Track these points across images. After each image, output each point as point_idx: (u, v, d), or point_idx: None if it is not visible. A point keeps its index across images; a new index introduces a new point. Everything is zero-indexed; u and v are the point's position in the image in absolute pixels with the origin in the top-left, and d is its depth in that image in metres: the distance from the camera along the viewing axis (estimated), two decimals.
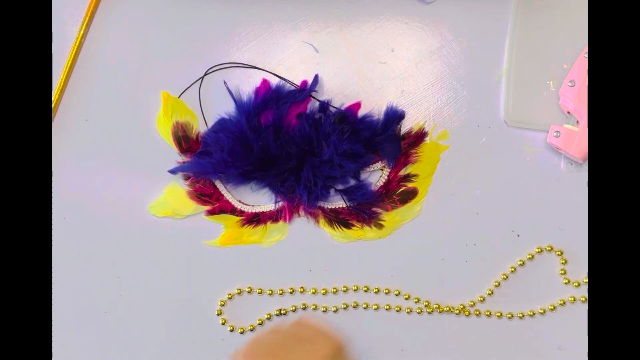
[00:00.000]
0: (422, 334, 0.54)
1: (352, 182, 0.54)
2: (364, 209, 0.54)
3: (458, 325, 0.54)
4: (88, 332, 0.54)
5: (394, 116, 0.55)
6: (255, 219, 0.54)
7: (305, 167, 0.53)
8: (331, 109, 0.55)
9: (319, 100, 0.55)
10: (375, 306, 0.54)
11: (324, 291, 0.54)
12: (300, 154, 0.53)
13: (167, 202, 0.54)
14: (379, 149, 0.54)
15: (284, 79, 0.56)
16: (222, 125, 0.54)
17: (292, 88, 0.55)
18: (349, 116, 0.54)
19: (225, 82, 0.55)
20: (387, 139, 0.54)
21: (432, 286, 0.54)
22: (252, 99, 0.54)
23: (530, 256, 0.54)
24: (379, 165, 0.55)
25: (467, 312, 0.54)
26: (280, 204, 0.54)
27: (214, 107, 0.55)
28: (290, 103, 0.54)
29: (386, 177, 0.54)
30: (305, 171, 0.53)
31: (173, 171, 0.54)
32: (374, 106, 0.55)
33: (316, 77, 0.55)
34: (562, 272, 0.53)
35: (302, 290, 0.54)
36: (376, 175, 0.55)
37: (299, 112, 0.54)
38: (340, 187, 0.54)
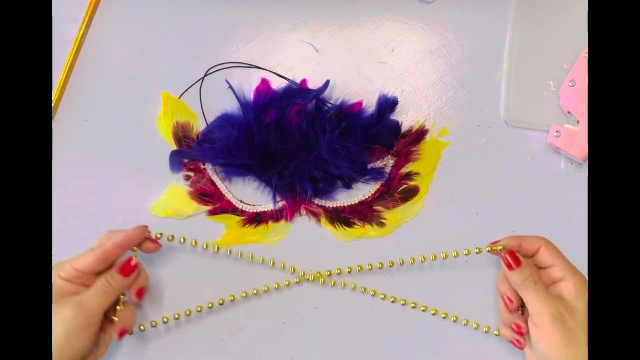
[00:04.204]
0: (422, 334, 0.54)
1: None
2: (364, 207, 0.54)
3: (458, 325, 0.54)
4: None
5: (387, 104, 0.55)
6: (256, 219, 0.54)
7: (302, 163, 0.53)
8: (329, 105, 0.55)
9: (319, 99, 0.55)
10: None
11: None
12: (298, 149, 0.53)
13: (168, 203, 0.54)
14: (377, 139, 0.54)
15: (285, 78, 0.56)
16: (225, 119, 0.54)
17: (295, 87, 0.55)
18: (344, 112, 0.54)
19: (228, 82, 0.55)
20: (383, 126, 0.54)
21: (432, 286, 0.54)
22: (255, 98, 0.55)
23: None
24: (379, 163, 0.55)
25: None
26: (281, 203, 0.54)
27: (215, 107, 0.55)
28: (293, 103, 0.54)
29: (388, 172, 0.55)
30: (302, 167, 0.53)
31: (174, 155, 0.54)
32: (372, 104, 0.55)
33: (327, 82, 0.55)
34: None
35: (299, 278, 0.53)
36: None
37: (298, 109, 0.54)
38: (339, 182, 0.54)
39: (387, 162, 0.55)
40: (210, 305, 0.52)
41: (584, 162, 0.54)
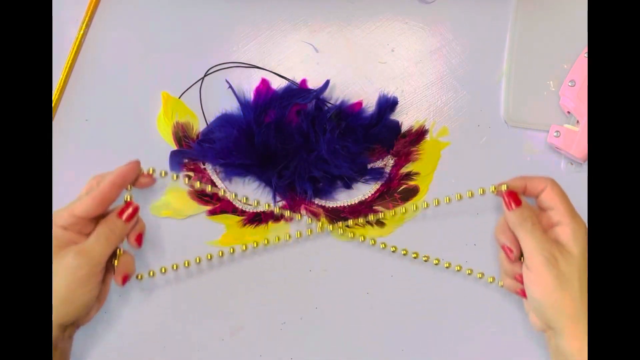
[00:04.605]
0: (422, 334, 0.54)
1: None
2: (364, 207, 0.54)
3: (458, 327, 0.54)
4: (88, 332, 0.54)
5: (387, 104, 0.55)
6: (256, 219, 0.54)
7: (302, 163, 0.53)
8: (329, 105, 0.55)
9: (318, 99, 0.55)
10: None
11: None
12: (298, 149, 0.53)
13: (168, 203, 0.54)
14: (377, 139, 0.54)
15: (285, 78, 0.56)
16: (225, 119, 0.54)
17: (295, 87, 0.55)
18: (344, 112, 0.54)
19: (228, 82, 0.55)
20: (383, 126, 0.54)
21: (432, 286, 0.54)
22: (255, 98, 0.55)
23: None
24: (379, 163, 0.55)
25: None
26: (281, 203, 0.54)
27: (215, 107, 0.55)
28: (293, 103, 0.54)
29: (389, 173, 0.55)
30: (302, 167, 0.53)
31: (174, 155, 0.54)
32: (372, 104, 0.55)
33: (327, 82, 0.55)
34: None
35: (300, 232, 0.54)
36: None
37: (298, 109, 0.54)
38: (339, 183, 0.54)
39: (387, 162, 0.55)
40: (209, 256, 0.52)
41: (584, 162, 0.54)
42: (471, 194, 0.50)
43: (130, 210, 0.48)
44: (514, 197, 0.48)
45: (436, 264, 0.53)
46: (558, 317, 0.44)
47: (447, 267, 0.53)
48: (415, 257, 0.53)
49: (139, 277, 0.51)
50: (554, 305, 0.44)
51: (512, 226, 0.48)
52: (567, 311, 0.44)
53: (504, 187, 0.48)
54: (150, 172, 0.50)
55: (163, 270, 0.51)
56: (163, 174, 0.50)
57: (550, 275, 0.44)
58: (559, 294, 0.44)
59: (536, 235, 0.46)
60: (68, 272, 0.44)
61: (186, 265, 0.52)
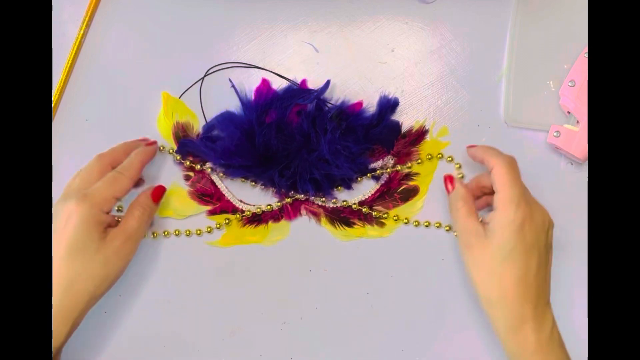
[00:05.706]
0: (422, 334, 0.54)
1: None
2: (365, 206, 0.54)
3: (458, 327, 0.54)
4: (88, 332, 0.54)
5: (387, 105, 0.55)
6: (256, 219, 0.54)
7: (303, 163, 0.53)
8: (329, 105, 0.55)
9: (319, 99, 0.55)
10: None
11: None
12: (299, 149, 0.53)
13: (168, 203, 0.54)
14: (377, 139, 0.54)
15: (285, 78, 0.56)
16: (228, 117, 0.54)
17: (295, 87, 0.55)
18: (345, 112, 0.54)
19: (231, 81, 0.56)
20: (384, 126, 0.54)
21: (432, 286, 0.54)
22: (255, 98, 0.55)
23: None
24: (379, 163, 0.55)
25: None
26: (281, 203, 0.54)
27: (215, 108, 0.55)
28: (294, 104, 0.54)
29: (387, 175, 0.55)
30: (302, 167, 0.53)
31: (181, 146, 0.55)
32: (372, 104, 0.55)
33: (328, 82, 0.55)
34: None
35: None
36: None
37: (299, 110, 0.54)
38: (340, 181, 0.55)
39: (387, 163, 0.55)
40: (209, 229, 0.54)
41: (584, 162, 0.54)
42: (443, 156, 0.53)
43: (161, 191, 0.52)
44: (449, 180, 0.51)
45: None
46: (480, 299, 0.47)
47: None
48: (447, 230, 0.54)
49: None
50: (474, 286, 0.47)
51: (448, 206, 0.50)
52: (480, 293, 0.47)
53: (460, 175, 0.53)
54: (161, 149, 0.54)
55: (167, 234, 0.53)
56: (170, 152, 0.54)
57: (465, 260, 0.48)
58: (473, 276, 0.47)
59: (459, 217, 0.48)
60: (121, 256, 0.48)
61: (182, 230, 0.54)
